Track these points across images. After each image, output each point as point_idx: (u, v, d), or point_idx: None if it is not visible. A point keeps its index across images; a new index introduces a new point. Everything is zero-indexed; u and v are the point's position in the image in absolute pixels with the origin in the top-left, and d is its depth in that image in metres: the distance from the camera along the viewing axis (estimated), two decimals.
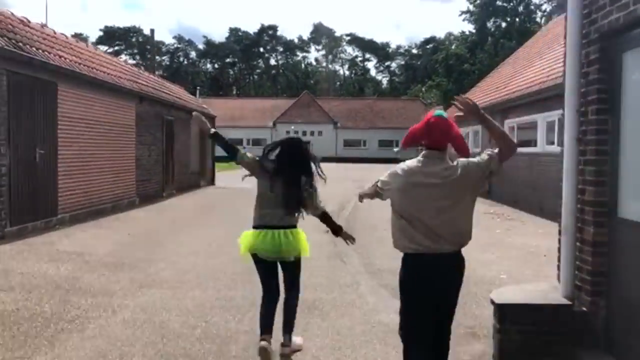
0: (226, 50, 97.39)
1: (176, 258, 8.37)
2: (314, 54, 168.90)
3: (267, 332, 4.41)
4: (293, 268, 4.73)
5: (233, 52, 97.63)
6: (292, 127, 65.54)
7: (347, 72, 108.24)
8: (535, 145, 15.65)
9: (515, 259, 8.80)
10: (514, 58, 24.92)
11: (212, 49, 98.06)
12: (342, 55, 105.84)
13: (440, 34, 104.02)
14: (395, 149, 61.92)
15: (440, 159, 3.41)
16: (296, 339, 4.72)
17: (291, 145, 4.67)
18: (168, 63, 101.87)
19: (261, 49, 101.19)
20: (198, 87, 76.79)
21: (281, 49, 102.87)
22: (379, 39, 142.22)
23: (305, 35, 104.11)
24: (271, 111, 68.72)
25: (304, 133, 65.87)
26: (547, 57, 17.27)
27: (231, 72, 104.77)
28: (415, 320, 3.41)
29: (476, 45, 61.41)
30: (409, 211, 3.42)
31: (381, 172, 4.06)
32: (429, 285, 3.34)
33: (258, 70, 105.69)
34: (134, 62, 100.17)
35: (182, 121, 18.69)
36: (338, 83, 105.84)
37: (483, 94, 22.78)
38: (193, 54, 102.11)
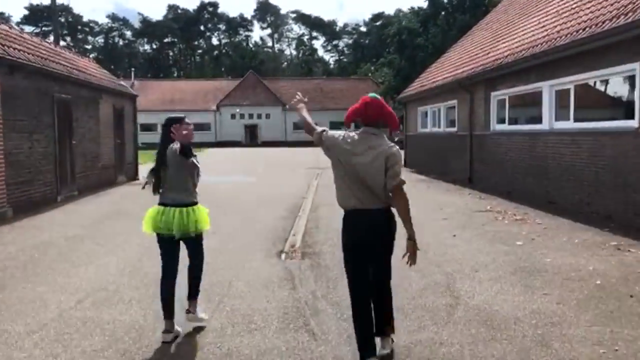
0: (164, 28, 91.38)
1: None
2: (258, 32, 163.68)
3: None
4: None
5: (172, 31, 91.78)
6: (238, 110, 61.21)
7: (294, 52, 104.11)
8: (539, 121, 12.33)
9: (593, 311, 5.34)
10: (484, 24, 21.65)
11: (148, 28, 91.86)
12: (289, 34, 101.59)
13: (389, 11, 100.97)
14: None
15: (375, 134, 3.92)
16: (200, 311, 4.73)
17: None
18: (102, 44, 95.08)
19: (202, 27, 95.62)
20: (133, 69, 71.45)
21: (223, 28, 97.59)
22: (326, 16, 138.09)
23: (249, 13, 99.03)
24: (214, 93, 64.08)
25: (251, 116, 61.72)
26: (546, 10, 14.01)
27: (171, 53, 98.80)
28: (352, 269, 3.95)
29: (428, 20, 58.41)
30: (347, 174, 3.93)
31: None
32: (361, 236, 3.89)
33: (200, 51, 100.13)
34: (64, 43, 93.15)
35: (85, 101, 14.51)
36: (285, 63, 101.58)
37: (450, 67, 19.47)
38: (129, 34, 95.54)
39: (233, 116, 61.54)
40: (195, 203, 4.63)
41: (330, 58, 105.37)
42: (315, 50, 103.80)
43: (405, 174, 18.70)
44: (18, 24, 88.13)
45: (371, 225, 3.84)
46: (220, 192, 14.82)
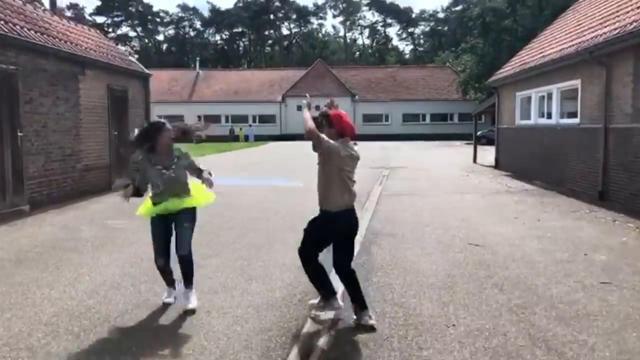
0: (232, 17, 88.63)
1: None
2: (330, 21, 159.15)
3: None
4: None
5: (241, 20, 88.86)
6: (304, 101, 56.88)
7: (366, 41, 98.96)
8: None
9: None
10: None
11: (217, 17, 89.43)
12: (361, 21, 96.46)
13: None
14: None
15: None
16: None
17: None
18: (173, 34, 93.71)
19: (272, 17, 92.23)
20: (198, 58, 68.98)
21: (294, 16, 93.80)
22: (402, 2, 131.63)
23: (321, 0, 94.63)
24: (280, 83, 60.35)
25: (317, 107, 57.21)
26: None
27: (240, 44, 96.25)
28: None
29: (517, 0, 51.94)
30: (348, 178, 4.70)
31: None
32: (353, 227, 4.89)
33: (270, 41, 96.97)
34: (135, 34, 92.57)
35: (51, 76, 10.59)
36: (357, 53, 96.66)
37: (567, 36, 14.29)
38: (198, 24, 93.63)
39: (299, 107, 57.51)
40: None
41: (405, 47, 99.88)
42: (390, 38, 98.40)
43: (497, 178, 13.20)
44: (91, 14, 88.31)
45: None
46: (238, 205, 10.61)
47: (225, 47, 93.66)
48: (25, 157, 9.68)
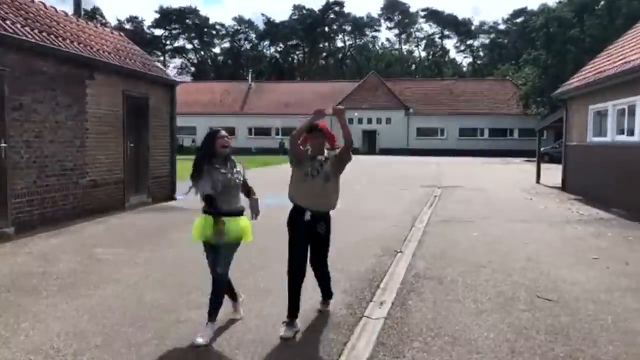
0: (287, 30, 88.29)
1: None
2: (385, 33, 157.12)
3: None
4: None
5: (295, 33, 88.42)
6: (356, 115, 55.61)
7: (423, 54, 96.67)
8: None
9: None
10: None
11: (272, 30, 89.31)
12: (418, 34, 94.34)
13: (533, 6, 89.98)
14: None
15: None
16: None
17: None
18: (228, 47, 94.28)
19: (326, 29, 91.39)
20: (250, 70, 68.69)
21: (349, 29, 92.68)
22: (460, 14, 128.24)
23: (376, 12, 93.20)
24: (332, 96, 58.99)
25: (370, 121, 55.85)
26: None
27: (294, 57, 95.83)
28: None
29: (585, 9, 48.87)
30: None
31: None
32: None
33: (324, 54, 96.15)
34: (191, 47, 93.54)
35: (49, 78, 9.33)
36: (414, 66, 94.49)
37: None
38: (254, 37, 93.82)
39: (351, 121, 55.97)
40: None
41: (463, 60, 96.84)
42: (447, 51, 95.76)
43: (566, 203, 10.68)
44: (149, 27, 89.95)
45: None
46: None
47: (280, 60, 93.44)
48: (12, 172, 8.38)
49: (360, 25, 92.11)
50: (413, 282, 6.46)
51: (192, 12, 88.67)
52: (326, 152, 5.00)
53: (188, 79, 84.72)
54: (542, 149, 24.88)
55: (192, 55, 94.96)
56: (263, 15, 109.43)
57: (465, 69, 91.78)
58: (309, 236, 4.87)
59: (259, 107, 58.57)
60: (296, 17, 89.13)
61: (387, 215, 11.81)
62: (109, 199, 10.98)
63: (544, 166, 22.85)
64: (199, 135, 49.72)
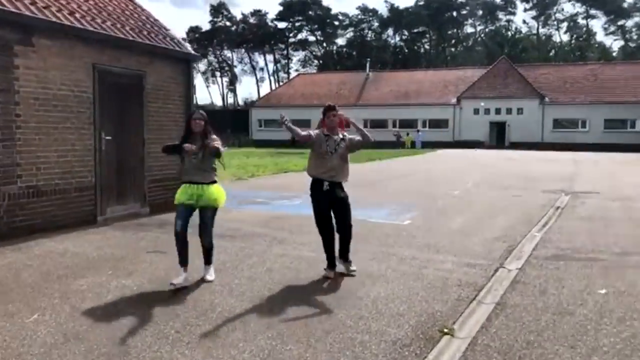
0: (412, 16, 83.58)
1: None
2: (520, 16, 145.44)
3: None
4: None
5: (421, 19, 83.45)
6: (482, 104, 50.20)
7: (564, 37, 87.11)
8: None
9: None
10: None
11: (396, 17, 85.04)
12: (558, 15, 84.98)
13: None
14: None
15: None
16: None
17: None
18: (351, 37, 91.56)
19: (454, 14, 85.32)
20: (368, 59, 65.25)
21: (480, 13, 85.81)
22: None
23: None
24: (456, 84, 54.07)
25: (498, 111, 50.09)
26: None
27: (420, 45, 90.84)
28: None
29: None
30: None
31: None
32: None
33: (453, 41, 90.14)
34: (314, 38, 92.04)
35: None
36: (552, 51, 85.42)
37: None
38: (377, 25, 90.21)
39: (476, 111, 50.70)
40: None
41: (612, 43, 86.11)
42: (593, 33, 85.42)
43: None
44: (272, 20, 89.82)
45: None
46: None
47: (405, 49, 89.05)
48: None
49: (493, 8, 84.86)
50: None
51: (315, 2, 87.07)
52: (340, 134, 6.07)
53: (312, 71, 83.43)
54: None
55: (314, 48, 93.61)
56: (386, 1, 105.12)
57: (615, 54, 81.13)
58: (330, 202, 5.86)
59: (375, 98, 55.10)
60: (422, 3, 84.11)
61: (468, 243, 7.96)
62: (66, 212, 8.17)
63: None
64: (313, 128, 47.42)
